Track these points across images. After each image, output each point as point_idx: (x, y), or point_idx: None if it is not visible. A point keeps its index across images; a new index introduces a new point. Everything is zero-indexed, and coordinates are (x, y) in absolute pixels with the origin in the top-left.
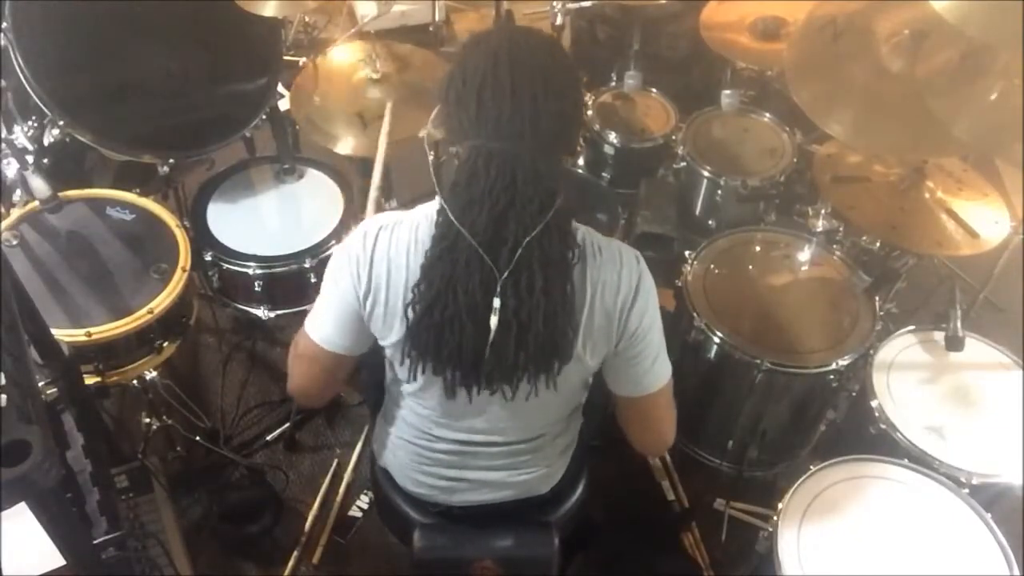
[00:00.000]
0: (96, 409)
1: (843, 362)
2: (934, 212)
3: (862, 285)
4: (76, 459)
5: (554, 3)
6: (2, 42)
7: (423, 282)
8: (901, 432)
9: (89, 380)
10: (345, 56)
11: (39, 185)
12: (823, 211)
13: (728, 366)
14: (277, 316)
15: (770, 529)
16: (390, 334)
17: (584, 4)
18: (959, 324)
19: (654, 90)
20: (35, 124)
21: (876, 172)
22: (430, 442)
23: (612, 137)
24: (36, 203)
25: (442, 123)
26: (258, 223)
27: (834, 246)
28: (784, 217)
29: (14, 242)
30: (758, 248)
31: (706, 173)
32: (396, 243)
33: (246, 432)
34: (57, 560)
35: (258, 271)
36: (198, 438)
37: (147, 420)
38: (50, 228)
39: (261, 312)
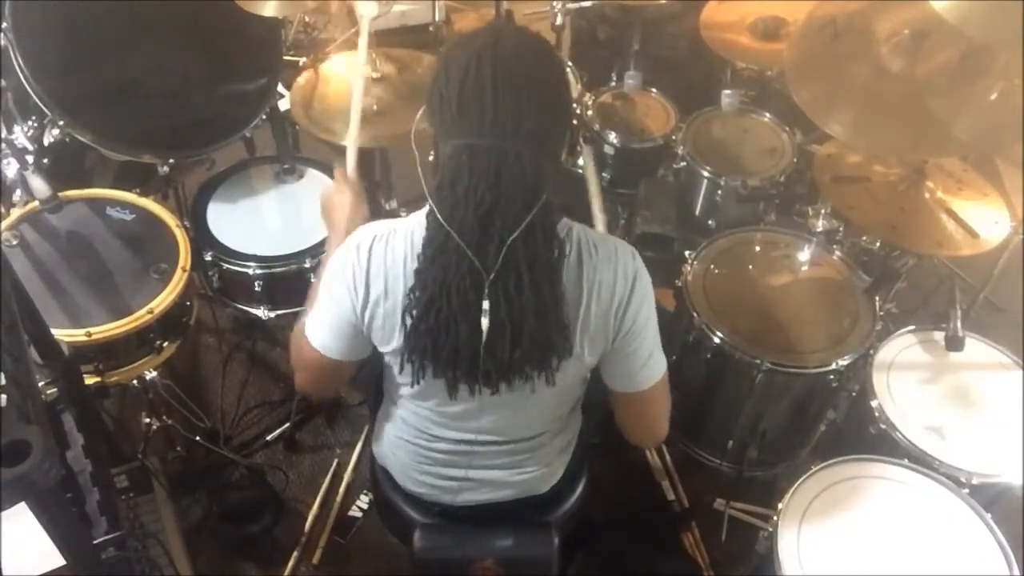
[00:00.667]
0: (96, 409)
1: (843, 362)
2: (934, 212)
3: (862, 285)
4: (76, 459)
5: (554, 3)
6: (2, 42)
7: (418, 287)
8: (901, 432)
9: (89, 380)
10: (345, 56)
11: (39, 185)
12: (823, 211)
13: (728, 366)
14: (277, 316)
15: (770, 529)
16: (391, 342)
17: (584, 4)
18: (959, 324)
19: (654, 90)
20: (35, 124)
21: (876, 172)
22: (429, 442)
23: (612, 137)
24: (36, 203)
25: (428, 122)
26: (258, 223)
27: (834, 246)
28: (784, 217)
29: (14, 242)
30: (758, 248)
31: (706, 173)
32: (392, 253)
33: (246, 432)
34: (57, 560)
35: (258, 271)
36: (198, 438)
37: (147, 420)
38: (50, 228)
39: (261, 312)
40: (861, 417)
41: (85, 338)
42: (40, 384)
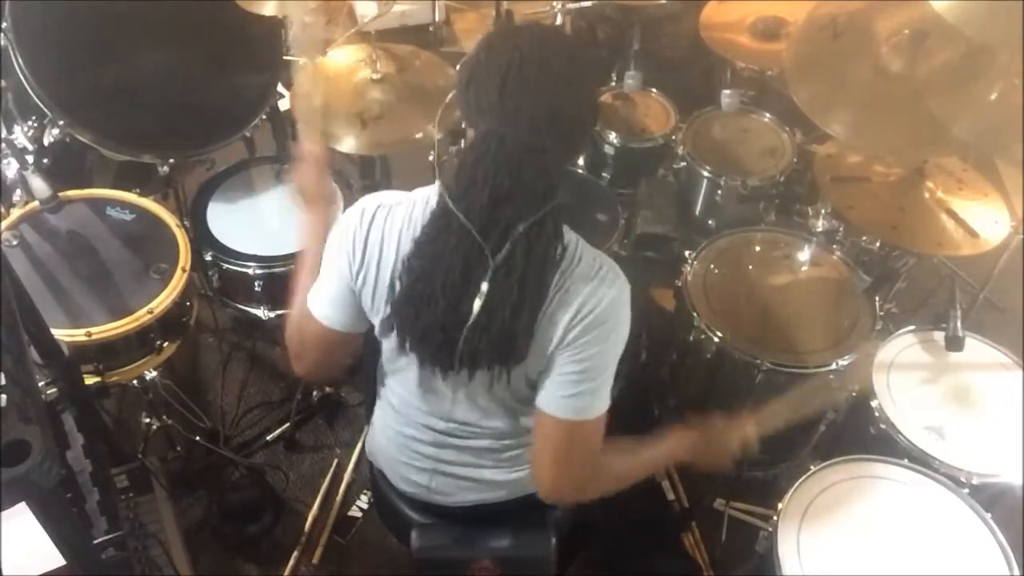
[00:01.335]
0: (96, 409)
1: (843, 362)
2: (934, 212)
3: (862, 285)
4: (76, 459)
5: (554, 3)
6: (2, 42)
7: (414, 256)
8: (901, 432)
9: (89, 380)
10: (345, 56)
11: (39, 185)
12: (823, 211)
13: (728, 366)
14: (277, 316)
15: (770, 529)
16: (380, 312)
17: (584, 4)
18: (959, 324)
19: (654, 90)
20: (35, 124)
21: (876, 172)
22: (417, 431)
23: (612, 137)
24: (36, 203)
25: (459, 100)
26: (258, 223)
27: (834, 246)
28: (784, 217)
29: (14, 242)
30: (758, 248)
31: (706, 173)
32: (391, 221)
33: (246, 432)
34: (57, 560)
35: (258, 271)
36: (198, 438)
37: (147, 420)
38: (50, 228)
39: (261, 312)
40: (861, 417)
41: (85, 338)
42: (40, 384)
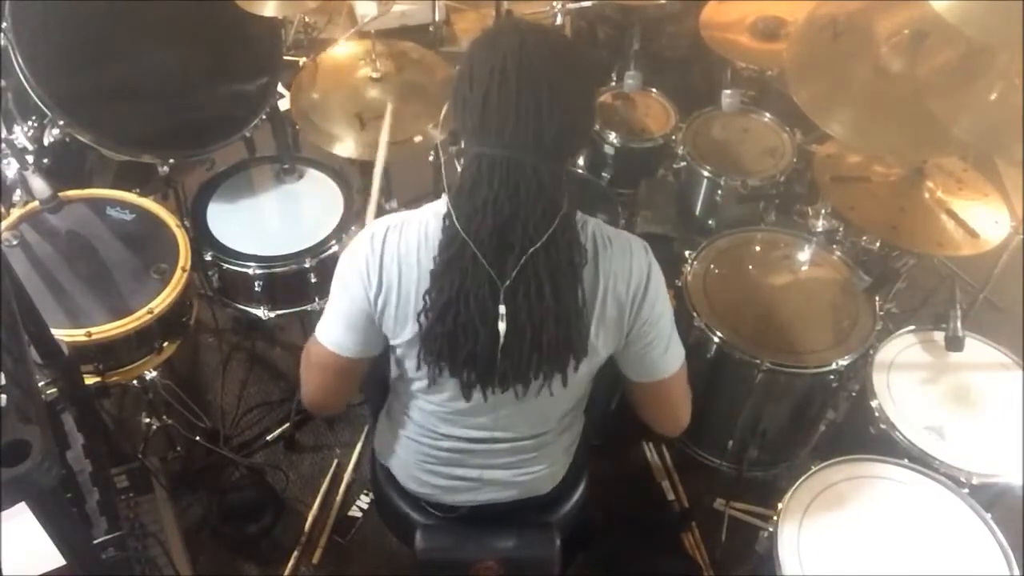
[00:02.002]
0: (96, 409)
1: (843, 362)
2: (934, 212)
3: (862, 285)
4: (76, 459)
5: (554, 3)
6: (2, 42)
7: (434, 289)
8: (901, 432)
9: (89, 380)
10: (345, 56)
11: (39, 185)
12: (823, 211)
13: (728, 366)
14: (277, 316)
15: (770, 529)
16: (403, 332)
17: (584, 4)
18: (959, 324)
19: (654, 90)
20: (35, 124)
21: (876, 172)
22: (435, 440)
23: (612, 137)
24: (36, 203)
25: (451, 122)
26: (258, 223)
27: (834, 246)
28: (784, 217)
29: (14, 242)
30: (758, 248)
31: (706, 173)
32: (406, 242)
33: (246, 432)
34: (57, 560)
35: (258, 271)
36: (198, 438)
37: (147, 420)
38: (50, 228)
39: (261, 312)
40: (861, 417)
41: (85, 338)
42: (40, 384)
